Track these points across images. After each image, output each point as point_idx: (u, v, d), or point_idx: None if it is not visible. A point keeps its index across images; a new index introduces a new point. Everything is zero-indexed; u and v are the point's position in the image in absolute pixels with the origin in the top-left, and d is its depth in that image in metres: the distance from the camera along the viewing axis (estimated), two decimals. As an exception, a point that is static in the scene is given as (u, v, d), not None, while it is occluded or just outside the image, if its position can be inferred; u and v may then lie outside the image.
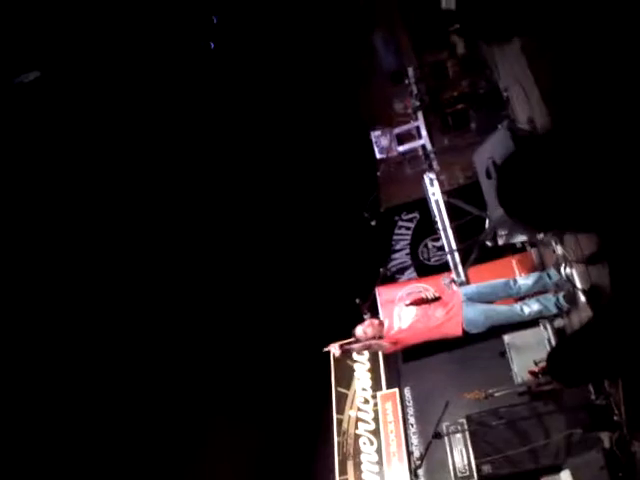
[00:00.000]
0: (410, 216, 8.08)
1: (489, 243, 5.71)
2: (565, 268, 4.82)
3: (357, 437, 6.74)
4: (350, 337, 5.15)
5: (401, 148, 7.71)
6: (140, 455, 6.61)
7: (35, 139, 6.96)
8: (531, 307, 4.89)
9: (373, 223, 7.02)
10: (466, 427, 5.29)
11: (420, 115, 7.86)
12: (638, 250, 2.00)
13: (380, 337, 4.98)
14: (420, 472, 5.73)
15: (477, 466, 5.09)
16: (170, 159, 8.18)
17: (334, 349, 4.93)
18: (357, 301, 5.40)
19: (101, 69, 7.48)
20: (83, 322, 7.06)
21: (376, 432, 6.64)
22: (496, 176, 3.88)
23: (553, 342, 5.45)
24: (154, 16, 7.76)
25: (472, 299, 4.88)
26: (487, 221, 5.54)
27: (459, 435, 5.34)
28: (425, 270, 7.47)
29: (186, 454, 6.94)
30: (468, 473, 5.18)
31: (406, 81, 8.26)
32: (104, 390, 6.81)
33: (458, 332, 4.81)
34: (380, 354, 6.86)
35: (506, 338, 5.79)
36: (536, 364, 5.33)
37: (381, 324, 4.99)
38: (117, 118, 7.73)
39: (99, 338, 7.07)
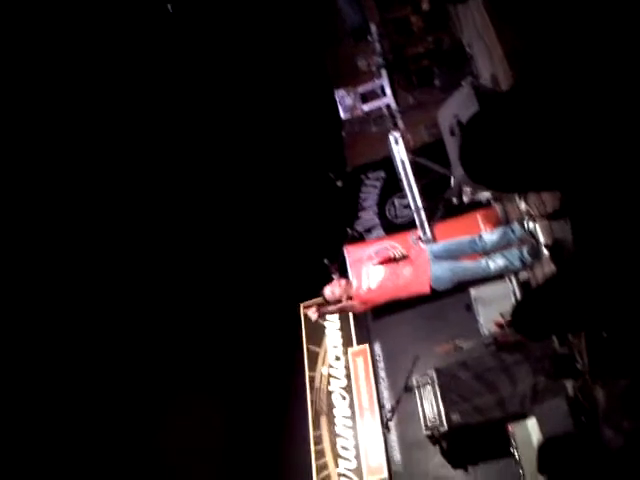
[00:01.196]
0: (376, 174, 8.10)
1: (455, 200, 5.81)
2: (528, 223, 4.92)
3: (330, 393, 6.89)
4: (319, 297, 5.23)
5: (366, 107, 7.67)
6: (99, 433, 6.39)
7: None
8: (496, 262, 4.99)
9: (339, 184, 7.03)
10: (435, 379, 5.45)
11: (384, 73, 7.80)
12: (599, 206, 2.05)
13: (349, 297, 5.07)
14: (391, 424, 5.89)
15: (446, 415, 5.27)
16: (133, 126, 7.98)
17: (311, 313, 4.98)
18: (325, 261, 5.44)
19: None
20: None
21: (348, 388, 6.80)
22: (460, 135, 3.92)
23: (518, 295, 5.63)
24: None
25: (439, 256, 4.97)
26: (452, 179, 5.62)
27: (429, 387, 5.48)
28: (392, 228, 7.54)
29: (154, 419, 6.89)
30: (438, 422, 5.33)
31: (369, 38, 8.18)
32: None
33: (426, 289, 4.91)
34: (350, 315, 6.98)
35: (472, 292, 5.96)
36: (502, 316, 5.50)
37: (349, 284, 5.06)
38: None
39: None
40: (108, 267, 7.04)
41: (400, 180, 6.32)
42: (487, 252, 5.25)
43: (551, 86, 1.79)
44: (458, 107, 4.33)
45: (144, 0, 7.66)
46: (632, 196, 1.87)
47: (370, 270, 4.99)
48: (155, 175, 7.77)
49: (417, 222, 5.84)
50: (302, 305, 7.45)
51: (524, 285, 5.67)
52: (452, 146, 4.39)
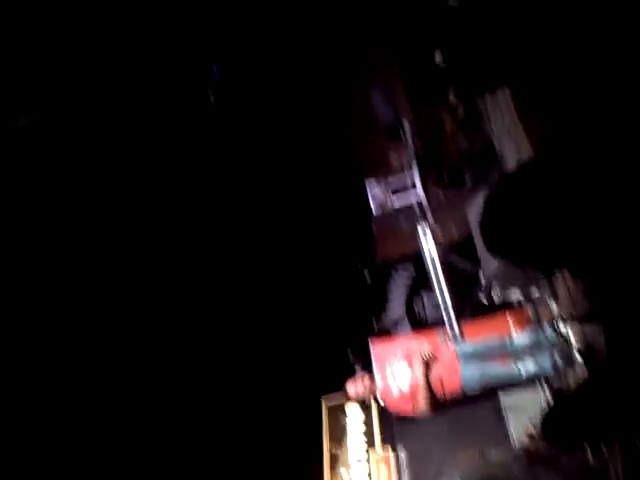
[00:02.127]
0: (405, 269, 8.00)
1: (484, 300, 5.67)
2: (560, 326, 4.75)
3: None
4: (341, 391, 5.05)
5: (396, 200, 7.70)
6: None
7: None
8: (527, 367, 4.81)
9: (368, 280, 6.95)
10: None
11: (415, 168, 7.88)
12: (633, 310, 1.92)
13: (375, 397, 4.88)
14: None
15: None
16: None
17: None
18: (349, 353, 5.28)
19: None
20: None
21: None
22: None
23: (550, 402, 5.34)
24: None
25: (468, 357, 4.78)
26: (481, 277, 5.50)
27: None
28: (419, 324, 7.36)
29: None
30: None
31: (402, 134, 8.33)
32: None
33: (457, 392, 4.71)
34: (374, 412, 6.69)
35: (502, 398, 5.69)
36: (534, 426, 5.20)
37: (373, 381, 4.88)
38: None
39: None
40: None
41: (429, 276, 6.22)
42: (518, 354, 5.05)
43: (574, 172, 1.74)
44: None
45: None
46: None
47: (396, 370, 4.81)
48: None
49: (445, 320, 5.68)
50: (323, 398, 7.20)
51: (557, 393, 5.40)
52: (481, 243, 4.32)
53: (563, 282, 4.50)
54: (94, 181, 7.37)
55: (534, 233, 1.62)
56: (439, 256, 6.13)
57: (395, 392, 4.69)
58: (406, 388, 4.64)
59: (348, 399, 5.06)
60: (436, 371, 4.68)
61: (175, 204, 8.07)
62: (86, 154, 7.29)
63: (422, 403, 4.60)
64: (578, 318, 4.13)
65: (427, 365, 4.66)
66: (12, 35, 6.61)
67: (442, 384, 4.62)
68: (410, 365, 4.71)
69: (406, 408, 4.77)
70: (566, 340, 4.64)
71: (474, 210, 4.60)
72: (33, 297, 6.65)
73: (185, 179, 8.11)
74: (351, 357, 5.20)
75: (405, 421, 6.37)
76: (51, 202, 6.94)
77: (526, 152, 4.63)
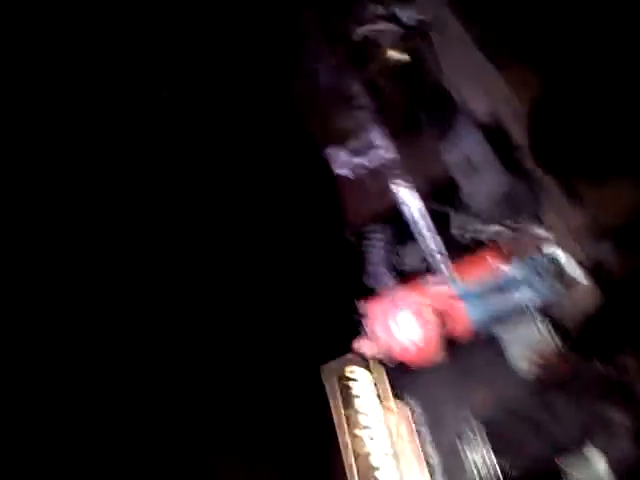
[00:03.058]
0: (379, 228, 7.95)
1: (461, 239, 5.71)
2: (550, 251, 4.81)
3: (369, 456, 6.49)
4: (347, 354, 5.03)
5: (359, 160, 7.65)
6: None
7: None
8: (526, 294, 4.88)
9: (352, 239, 6.90)
10: (483, 430, 5.17)
11: (374, 127, 7.84)
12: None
13: (383, 352, 4.89)
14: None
15: (501, 469, 4.99)
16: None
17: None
18: (355, 317, 5.26)
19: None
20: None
21: (391, 449, 6.40)
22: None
23: (546, 330, 5.42)
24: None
25: (469, 297, 4.82)
26: (453, 218, 5.52)
27: (477, 439, 5.19)
28: (404, 278, 7.34)
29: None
30: (492, 473, 5.04)
31: (351, 97, 8.26)
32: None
33: (467, 329, 4.76)
34: (382, 372, 6.70)
35: (501, 335, 5.74)
36: (540, 354, 5.28)
37: (378, 339, 4.88)
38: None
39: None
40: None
41: (409, 228, 6.22)
42: (514, 285, 5.13)
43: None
44: (467, 147, 4.28)
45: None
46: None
47: (399, 323, 4.81)
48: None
49: (438, 266, 5.68)
50: (323, 367, 7.17)
51: (552, 319, 5.50)
52: (471, 179, 4.32)
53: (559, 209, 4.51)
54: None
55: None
56: (416, 205, 6.12)
57: (407, 344, 4.72)
58: (418, 338, 4.67)
59: (351, 363, 5.03)
60: (445, 315, 4.71)
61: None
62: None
63: (437, 348, 4.65)
64: (574, 235, 4.17)
65: (438, 312, 4.70)
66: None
67: (453, 326, 4.66)
68: (418, 316, 4.72)
69: (419, 358, 4.81)
70: (557, 263, 4.71)
71: (456, 153, 4.58)
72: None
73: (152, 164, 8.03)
74: (357, 320, 5.15)
75: (411, 375, 6.39)
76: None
77: (501, 91, 4.59)
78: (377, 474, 6.22)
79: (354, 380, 6.88)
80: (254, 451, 7.02)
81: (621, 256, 2.81)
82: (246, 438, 7.00)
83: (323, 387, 7.01)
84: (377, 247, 7.90)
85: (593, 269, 4.15)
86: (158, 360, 7.19)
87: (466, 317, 4.68)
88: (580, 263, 4.38)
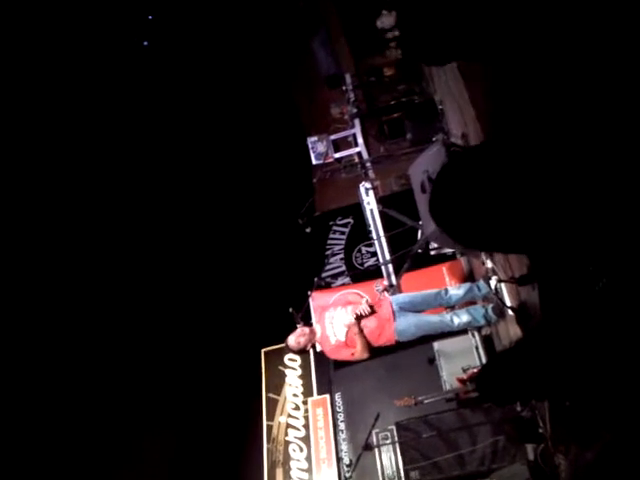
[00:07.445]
0: (344, 221, 8.09)
1: (420, 251, 5.84)
2: (494, 282, 4.94)
3: (287, 444, 6.70)
4: (282, 344, 5.15)
5: (337, 155, 7.75)
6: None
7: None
8: (460, 318, 5.00)
9: (308, 230, 6.99)
10: (395, 435, 5.35)
11: (357, 122, 7.92)
12: (569, 273, 2.02)
13: (313, 345, 5.01)
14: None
15: (405, 473, 5.16)
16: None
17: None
18: (290, 310, 5.35)
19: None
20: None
21: (306, 439, 6.63)
22: (430, 191, 3.93)
23: (481, 349, 5.63)
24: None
25: (404, 308, 4.94)
26: (420, 232, 5.64)
27: (389, 441, 5.38)
28: (359, 275, 7.50)
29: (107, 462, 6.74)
30: (397, 479, 5.23)
31: (343, 87, 8.32)
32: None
33: (391, 341, 4.88)
34: (312, 361, 6.88)
35: (435, 345, 5.94)
36: (464, 371, 5.47)
37: (313, 332, 4.98)
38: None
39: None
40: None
41: (368, 229, 6.34)
42: (452, 306, 5.27)
43: (522, 146, 1.78)
44: (429, 163, 4.37)
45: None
46: (601, 265, 1.86)
47: (334, 318, 4.93)
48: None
49: (384, 272, 5.83)
50: (263, 351, 7.33)
51: (486, 340, 5.70)
52: (422, 202, 4.42)
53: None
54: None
55: (483, 218, 1.66)
56: (378, 209, 6.24)
57: (333, 340, 4.83)
58: (343, 336, 4.78)
59: (288, 351, 5.16)
60: (372, 320, 4.82)
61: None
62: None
63: (358, 350, 4.77)
64: (512, 279, 4.30)
65: (361, 315, 4.80)
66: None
67: (377, 332, 4.78)
68: (353, 315, 4.83)
69: (343, 355, 4.94)
70: (499, 295, 4.85)
71: (416, 169, 4.67)
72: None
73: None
74: (292, 312, 5.24)
75: (342, 369, 6.59)
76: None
77: (470, 117, 4.70)
78: (290, 463, 6.53)
79: (291, 368, 7.10)
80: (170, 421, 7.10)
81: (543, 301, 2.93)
82: (164, 407, 7.10)
83: (256, 371, 7.21)
84: (339, 240, 8.04)
85: (520, 311, 4.30)
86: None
87: (392, 325, 4.81)
88: (512, 305, 4.52)
